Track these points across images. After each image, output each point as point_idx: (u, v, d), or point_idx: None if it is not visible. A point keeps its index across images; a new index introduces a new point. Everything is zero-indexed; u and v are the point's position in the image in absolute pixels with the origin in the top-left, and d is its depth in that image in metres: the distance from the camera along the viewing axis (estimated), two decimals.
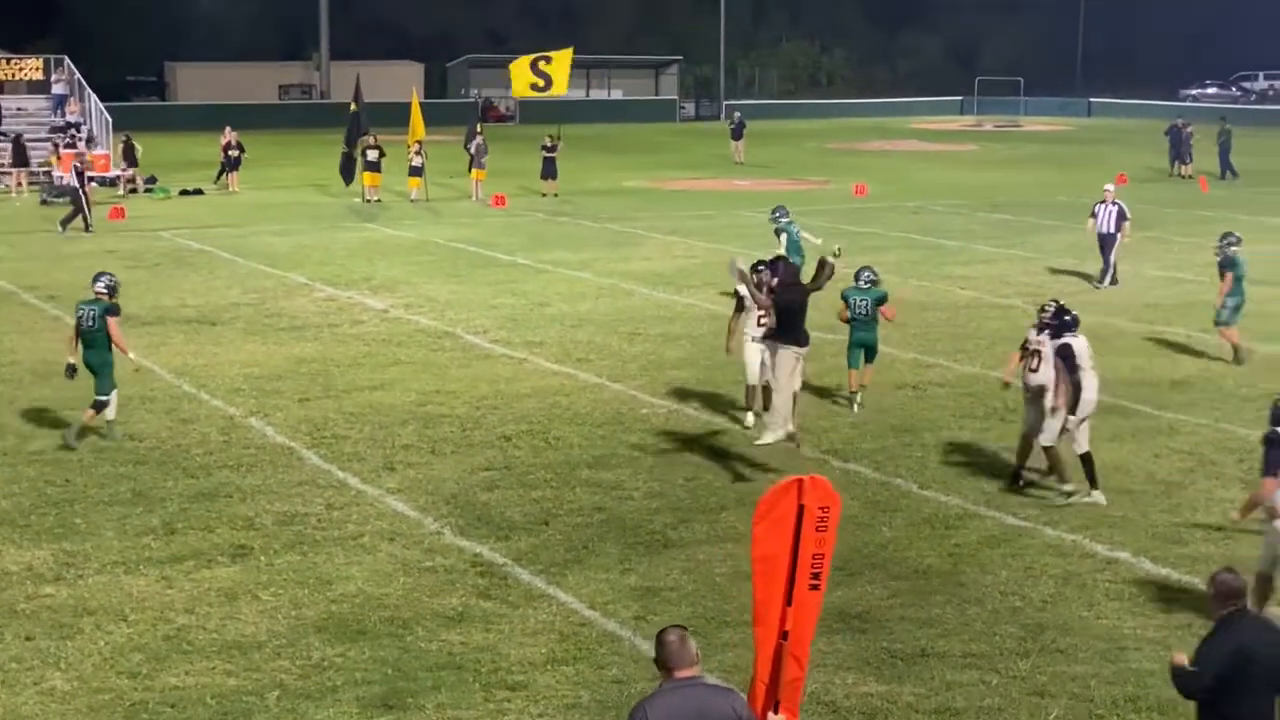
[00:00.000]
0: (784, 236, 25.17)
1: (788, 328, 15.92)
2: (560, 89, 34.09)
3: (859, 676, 11.05)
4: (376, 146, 41.76)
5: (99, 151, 45.78)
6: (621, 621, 12.16)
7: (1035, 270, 29.80)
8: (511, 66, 35.78)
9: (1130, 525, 14.44)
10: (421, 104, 43.77)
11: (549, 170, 43.66)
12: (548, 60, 33.65)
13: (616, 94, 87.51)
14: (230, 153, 45.27)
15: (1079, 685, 10.92)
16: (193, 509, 14.94)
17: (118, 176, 44.76)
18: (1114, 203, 28.01)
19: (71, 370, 17.20)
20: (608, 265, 30.45)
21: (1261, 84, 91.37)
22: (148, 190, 44.36)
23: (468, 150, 43.78)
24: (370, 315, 25.04)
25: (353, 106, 42.61)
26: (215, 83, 78.16)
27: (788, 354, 15.90)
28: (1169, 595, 12.68)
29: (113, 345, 17.01)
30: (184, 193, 44.04)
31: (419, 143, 41.93)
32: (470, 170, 43.46)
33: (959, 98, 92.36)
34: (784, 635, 7.54)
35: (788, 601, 7.53)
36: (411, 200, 41.72)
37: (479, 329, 23.82)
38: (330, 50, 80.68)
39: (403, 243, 33.86)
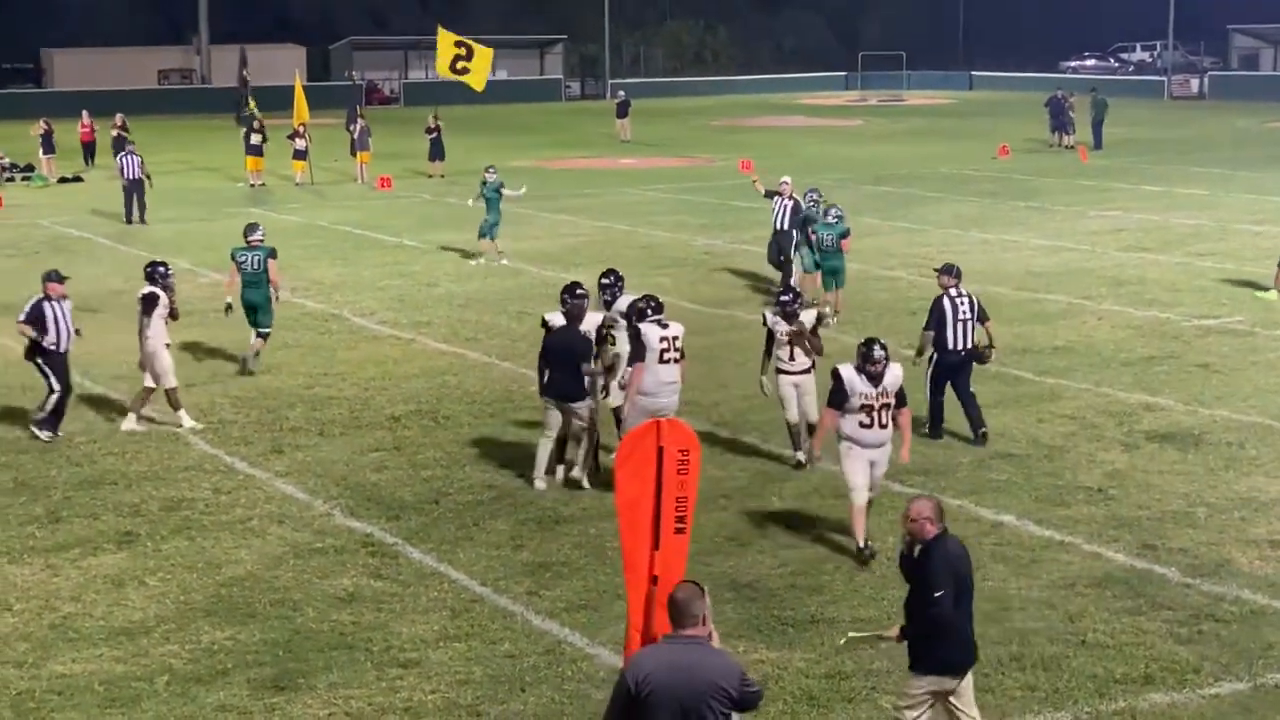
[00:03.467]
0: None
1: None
2: (478, 87, 33.46)
3: (750, 644, 11.15)
4: (260, 130, 41.30)
5: None
6: (514, 597, 12.17)
7: (919, 242, 30.08)
8: (440, 37, 34.25)
9: (1014, 489, 14.67)
10: (305, 87, 43.35)
11: (435, 152, 43.44)
12: (470, 55, 32.97)
13: (501, 74, 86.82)
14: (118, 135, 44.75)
15: None
16: (77, 497, 14.74)
17: None
18: (790, 198, 24.56)
19: (229, 308, 19.98)
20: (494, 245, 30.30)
21: (1138, 55, 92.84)
22: (25, 179, 43.54)
23: (349, 132, 43.40)
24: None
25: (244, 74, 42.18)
26: (93, 69, 76.81)
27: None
28: (1052, 556, 12.91)
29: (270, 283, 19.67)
30: (63, 180, 43.29)
31: (303, 125, 41.50)
32: (352, 153, 43.12)
33: (843, 73, 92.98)
34: (654, 580, 7.56)
35: (655, 546, 7.56)
36: (296, 184, 41.31)
37: (366, 311, 23.68)
38: (210, 34, 79.59)
39: (288, 226, 33.49)
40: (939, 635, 8.70)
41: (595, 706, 10.04)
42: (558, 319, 14.89)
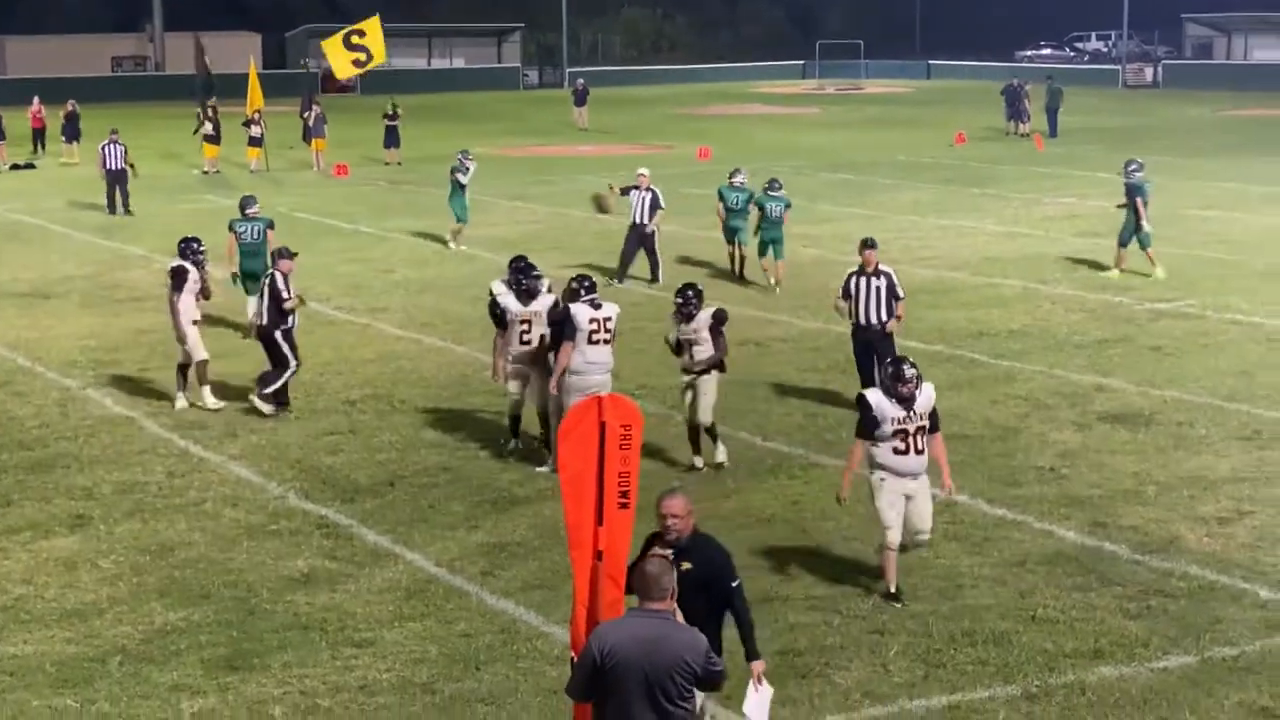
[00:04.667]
0: None
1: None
2: (380, 58, 33.18)
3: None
4: (214, 118, 41.11)
5: None
6: (469, 577, 12.18)
7: (876, 229, 30.06)
8: (325, 48, 33.93)
9: (968, 469, 14.74)
10: (260, 74, 43.15)
11: (391, 139, 43.34)
12: (361, 34, 32.75)
13: (459, 63, 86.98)
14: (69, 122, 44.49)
15: (917, 623, 11.16)
16: (29, 480, 14.67)
17: None
18: (648, 189, 24.41)
19: (235, 278, 20.64)
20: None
21: (1094, 44, 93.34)
22: None
23: (304, 120, 43.27)
24: (210, 286, 24.63)
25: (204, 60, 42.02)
26: (47, 56, 76.22)
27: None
28: (1003, 534, 13.00)
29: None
30: (15, 167, 42.98)
31: (257, 112, 41.32)
32: (306, 140, 42.98)
33: (800, 62, 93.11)
34: (599, 556, 7.58)
35: (599, 521, 7.57)
36: (251, 171, 41.14)
37: (322, 296, 23.60)
38: (165, 21, 79.09)
39: None
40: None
41: (550, 683, 10.07)
42: (510, 299, 14.97)
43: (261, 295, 17.12)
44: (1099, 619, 11.18)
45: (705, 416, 14.66)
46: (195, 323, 17.23)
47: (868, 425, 11.57)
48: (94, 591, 11.93)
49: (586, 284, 14.64)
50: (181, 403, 17.15)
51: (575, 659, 7.51)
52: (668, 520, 8.26)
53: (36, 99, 46.44)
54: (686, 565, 8.06)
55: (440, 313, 22.38)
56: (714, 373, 14.62)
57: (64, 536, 13.18)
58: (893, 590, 11.55)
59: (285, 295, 16.78)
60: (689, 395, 14.76)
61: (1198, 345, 19.80)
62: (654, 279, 24.30)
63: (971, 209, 32.80)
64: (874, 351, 16.44)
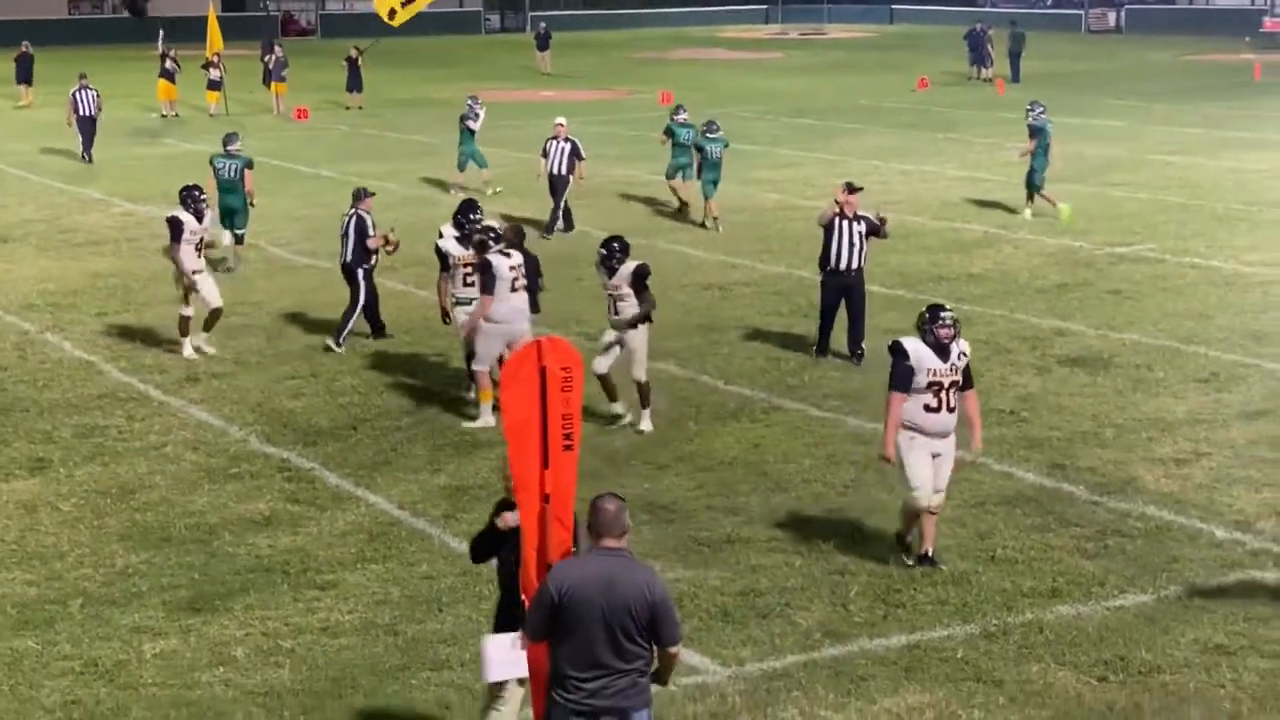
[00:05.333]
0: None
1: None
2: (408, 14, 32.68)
3: (666, 564, 11.22)
4: (173, 58, 40.74)
5: None
6: (431, 520, 12.21)
7: (839, 173, 30.06)
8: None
9: None
10: (219, 17, 42.73)
11: (354, 82, 43.02)
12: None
13: None
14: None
15: (878, 563, 11.24)
16: None
17: None
18: (566, 139, 24.20)
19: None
20: (413, 176, 30.18)
21: None
22: None
23: (264, 63, 42.91)
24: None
25: None
26: None
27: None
28: (963, 476, 12.96)
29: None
30: None
31: (217, 55, 40.95)
32: (266, 83, 42.63)
33: (763, 6, 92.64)
34: (545, 499, 7.60)
35: (544, 465, 7.59)
36: (211, 114, 40.78)
37: (283, 241, 23.50)
38: None
39: (202, 157, 32.76)
40: None
41: None
42: (451, 243, 15.08)
43: (346, 234, 17.42)
44: (1056, 559, 11.28)
45: (639, 373, 14.41)
46: (197, 273, 16.85)
47: (903, 376, 10.82)
48: (54, 534, 11.91)
49: (493, 234, 14.76)
50: (189, 350, 16.89)
51: (528, 601, 7.53)
52: (507, 481, 8.05)
53: None
54: None
55: (401, 257, 22.16)
56: (641, 328, 14.37)
57: (23, 479, 13.13)
58: (925, 552, 11.04)
59: (371, 233, 17.31)
60: (614, 350, 14.45)
61: (1157, 289, 19.90)
62: (549, 231, 23.66)
63: (934, 154, 32.81)
64: (847, 297, 16.49)
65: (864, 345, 16.48)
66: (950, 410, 10.89)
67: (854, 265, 16.48)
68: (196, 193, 17.27)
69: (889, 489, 12.74)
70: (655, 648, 7.17)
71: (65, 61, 53.03)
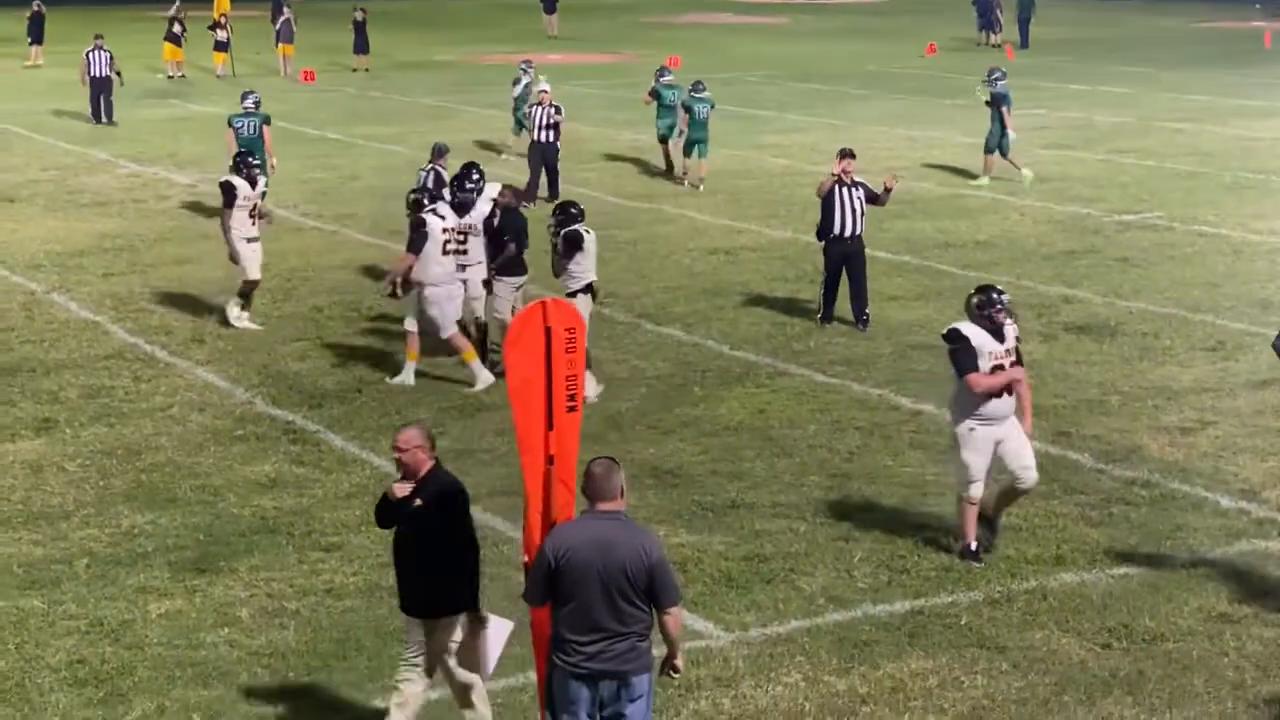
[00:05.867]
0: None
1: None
2: None
3: (670, 529, 11.24)
4: (179, 20, 40.63)
5: None
6: None
7: (846, 139, 29.94)
8: None
9: (934, 379, 14.73)
10: None
11: (361, 45, 42.92)
12: None
13: None
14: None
15: (882, 529, 11.24)
16: None
17: None
18: (551, 105, 23.50)
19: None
20: (421, 139, 30.05)
21: None
22: None
23: (274, 25, 42.79)
24: (176, 190, 24.55)
25: None
26: None
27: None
28: None
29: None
30: None
31: (224, 16, 40.86)
32: (276, 45, 42.53)
33: None
34: (550, 460, 7.60)
35: (549, 426, 7.58)
36: (217, 76, 40.73)
37: (289, 203, 23.46)
38: None
39: (208, 119, 33.00)
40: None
41: (515, 588, 10.05)
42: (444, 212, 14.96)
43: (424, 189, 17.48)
44: (1061, 526, 11.28)
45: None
46: (250, 240, 16.55)
47: (968, 359, 10.39)
48: (60, 495, 11.93)
49: (427, 195, 14.87)
50: (244, 321, 16.59)
51: (529, 564, 7.54)
52: (394, 452, 8.04)
53: None
54: (419, 501, 7.94)
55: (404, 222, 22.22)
56: (586, 296, 14.35)
57: (30, 439, 13.15)
58: (973, 547, 10.61)
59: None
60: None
61: (1164, 257, 19.86)
62: (553, 195, 22.85)
63: (941, 120, 32.70)
64: (848, 264, 16.47)
65: (868, 311, 16.47)
66: (1009, 392, 10.50)
67: (855, 231, 16.46)
68: (250, 159, 17.17)
69: (894, 455, 12.78)
70: (654, 611, 7.18)
71: (74, 20, 52.93)
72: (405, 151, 28.28)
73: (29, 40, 43.90)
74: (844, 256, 16.50)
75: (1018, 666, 9.26)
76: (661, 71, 26.86)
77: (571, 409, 7.63)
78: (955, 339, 10.54)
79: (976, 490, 10.60)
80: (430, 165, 17.99)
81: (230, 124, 22.08)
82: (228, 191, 16.64)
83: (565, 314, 7.61)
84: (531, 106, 24.19)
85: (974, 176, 25.26)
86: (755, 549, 10.95)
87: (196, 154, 27.98)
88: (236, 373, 15.03)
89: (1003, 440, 10.52)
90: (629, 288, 18.13)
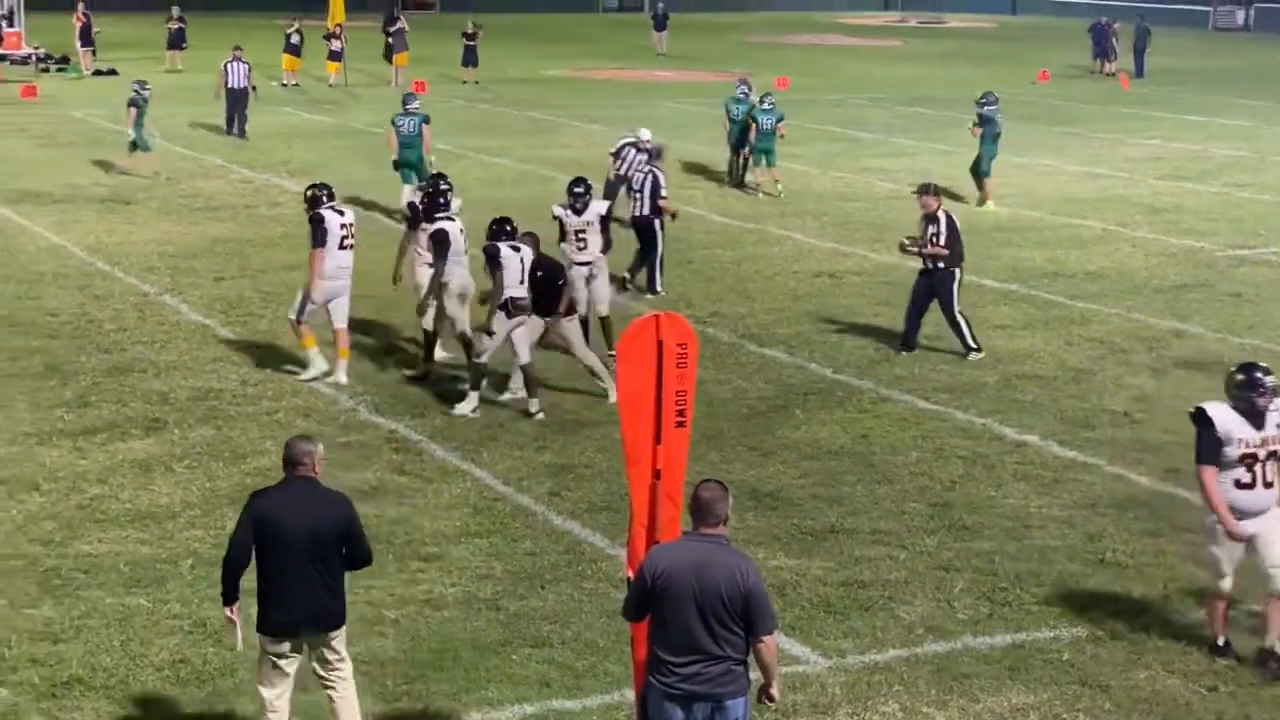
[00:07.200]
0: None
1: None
2: None
3: (769, 551, 11.19)
4: (298, 30, 41.17)
5: (11, 30, 44.54)
6: (535, 497, 12.24)
7: (955, 163, 29.84)
8: None
9: (1040, 409, 14.65)
10: None
11: (470, 58, 43.27)
12: None
13: None
14: (171, 27, 44.14)
15: (983, 560, 11.13)
16: (106, 383, 14.84)
17: (29, 55, 43.62)
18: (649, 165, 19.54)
19: (396, 165, 23.50)
20: (527, 152, 30.30)
21: None
22: (59, 69, 43.49)
23: (386, 35, 43.23)
24: (287, 198, 24.78)
25: None
26: None
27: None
28: (1074, 476, 12.91)
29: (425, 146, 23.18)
30: (98, 73, 43.19)
31: (339, 26, 41.35)
32: (387, 56, 42.94)
33: None
34: (656, 474, 7.59)
35: (657, 440, 7.56)
36: (330, 85, 41.22)
37: (400, 214, 23.60)
38: None
39: (321, 127, 33.48)
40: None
41: (613, 605, 10.09)
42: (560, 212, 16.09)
43: (641, 190, 18.61)
44: (1168, 564, 11.10)
45: (603, 308, 16.00)
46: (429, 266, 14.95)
47: (1210, 447, 9.41)
48: (168, 495, 12.09)
49: (326, 191, 15.12)
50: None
51: (631, 578, 7.55)
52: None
53: (81, 5, 44.94)
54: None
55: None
56: (603, 261, 15.95)
57: (139, 439, 13.34)
58: (1220, 643, 9.72)
59: (664, 190, 18.56)
60: (583, 284, 15.69)
61: (1279, 293, 19.52)
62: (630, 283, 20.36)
63: (1052, 148, 32.39)
64: (934, 294, 16.39)
65: (976, 339, 16.30)
66: (1267, 485, 9.41)
67: (938, 264, 16.36)
68: (443, 182, 15.80)
69: (996, 485, 12.65)
70: (750, 639, 7.15)
71: (215, 27, 53.63)
72: (512, 164, 28.44)
73: (167, 47, 44.12)
74: (929, 288, 16.41)
75: (1121, 706, 9.12)
76: (739, 85, 28.06)
77: (680, 424, 7.63)
78: (1200, 422, 9.53)
79: (1226, 586, 9.66)
80: (649, 168, 18.98)
81: (393, 122, 23.75)
82: (440, 242, 14.80)
83: (678, 329, 7.60)
84: (624, 144, 22.05)
85: (982, 203, 25.19)
86: (854, 575, 10.87)
87: (309, 162, 28.30)
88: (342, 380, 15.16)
89: (1257, 535, 9.47)
90: (733, 308, 18.09)
